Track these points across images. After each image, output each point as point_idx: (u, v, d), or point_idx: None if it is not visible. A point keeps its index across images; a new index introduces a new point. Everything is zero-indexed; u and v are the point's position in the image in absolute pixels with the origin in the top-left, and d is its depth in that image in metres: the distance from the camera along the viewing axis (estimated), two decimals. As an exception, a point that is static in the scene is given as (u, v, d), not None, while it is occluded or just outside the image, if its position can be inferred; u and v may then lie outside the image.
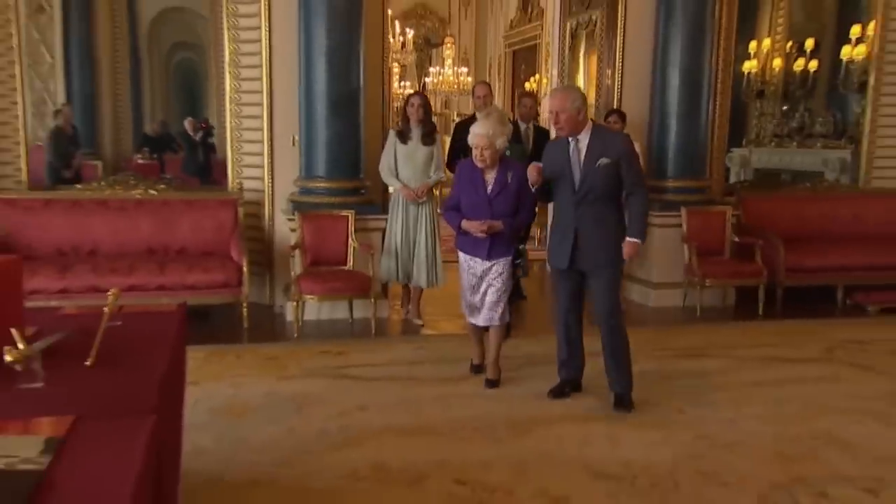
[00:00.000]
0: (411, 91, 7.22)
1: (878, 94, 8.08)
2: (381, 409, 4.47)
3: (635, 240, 4.29)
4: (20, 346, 2.40)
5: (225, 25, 6.72)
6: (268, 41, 6.65)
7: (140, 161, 7.17)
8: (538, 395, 4.67)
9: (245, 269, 6.06)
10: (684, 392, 4.86)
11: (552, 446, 4.01)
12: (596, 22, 7.53)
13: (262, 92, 6.74)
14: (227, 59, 6.76)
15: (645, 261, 6.98)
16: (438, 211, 6.07)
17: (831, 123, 8.64)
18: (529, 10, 14.55)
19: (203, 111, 7.26)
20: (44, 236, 6.23)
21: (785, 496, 3.56)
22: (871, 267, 7.37)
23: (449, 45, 15.37)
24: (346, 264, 6.32)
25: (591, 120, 4.24)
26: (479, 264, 4.58)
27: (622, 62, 7.36)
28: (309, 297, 6.05)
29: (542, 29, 14.22)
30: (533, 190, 4.38)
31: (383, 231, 6.32)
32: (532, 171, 4.28)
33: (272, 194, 6.83)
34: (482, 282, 4.62)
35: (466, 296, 4.75)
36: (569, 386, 4.62)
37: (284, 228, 6.70)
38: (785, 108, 8.56)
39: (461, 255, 4.70)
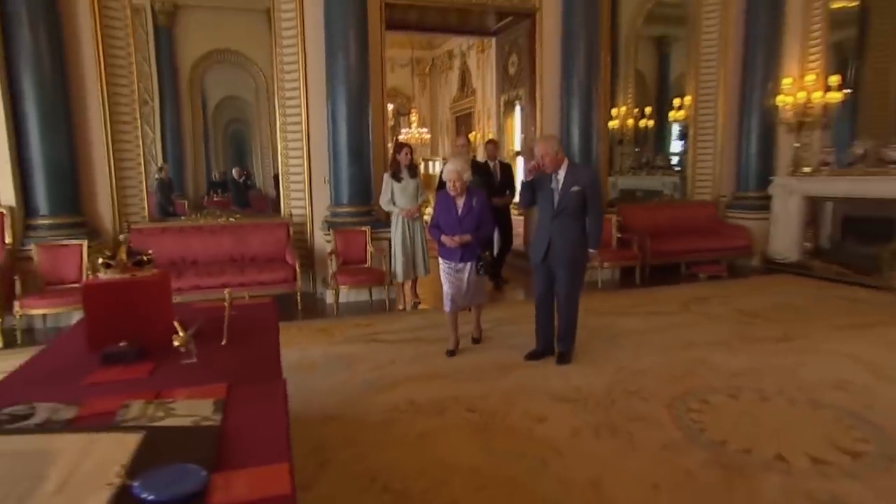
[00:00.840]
0: (399, 142, 6.83)
1: (696, 141, 8.15)
2: (405, 363, 4.30)
3: (593, 250, 4.14)
4: (181, 333, 2.21)
5: (276, 105, 6.43)
6: (305, 115, 6.39)
7: (216, 199, 6.81)
8: (510, 347, 4.53)
9: (297, 269, 5.79)
10: (602, 338, 4.77)
11: (526, 382, 3.88)
12: (521, 96, 7.42)
13: (302, 149, 6.47)
14: (278, 127, 6.47)
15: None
16: (426, 222, 5.86)
17: (666, 159, 8.74)
18: (465, 89, 14.51)
19: (247, 162, 6.91)
20: (161, 252, 5.85)
21: (682, 403, 3.51)
22: (699, 249, 7.42)
23: (413, 113, 15.23)
24: (366, 263, 6.11)
25: (567, 159, 4.07)
26: (454, 266, 4.32)
27: (540, 121, 7.25)
28: (343, 286, 5.83)
29: (475, 102, 14.18)
30: (526, 180, 4.18)
31: (389, 240, 6.05)
32: (530, 167, 4.09)
33: (311, 217, 6.55)
34: (460, 278, 4.33)
35: (449, 291, 4.39)
36: (542, 353, 4.30)
37: (321, 241, 6.46)
38: (637, 149, 8.57)
39: (441, 261, 4.40)
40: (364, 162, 6.20)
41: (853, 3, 7.29)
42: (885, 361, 4.15)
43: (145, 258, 2.60)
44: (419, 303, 6.14)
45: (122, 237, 2.71)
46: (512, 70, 7.62)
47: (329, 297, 5.98)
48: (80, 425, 1.67)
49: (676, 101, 8.30)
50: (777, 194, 7.59)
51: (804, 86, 7.35)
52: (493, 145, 6.90)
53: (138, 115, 5.98)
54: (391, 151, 6.25)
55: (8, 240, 5.26)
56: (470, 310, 4.67)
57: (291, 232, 6.37)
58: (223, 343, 2.46)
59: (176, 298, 5.21)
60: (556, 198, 4.01)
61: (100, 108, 5.75)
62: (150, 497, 1.27)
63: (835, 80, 7.06)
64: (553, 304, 4.24)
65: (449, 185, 4.22)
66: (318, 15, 6.14)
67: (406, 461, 2.88)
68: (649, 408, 3.46)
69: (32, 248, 5.31)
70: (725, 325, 5.16)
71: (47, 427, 1.66)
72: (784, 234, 7.52)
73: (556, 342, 4.27)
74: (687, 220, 7.68)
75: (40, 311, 5.10)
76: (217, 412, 1.78)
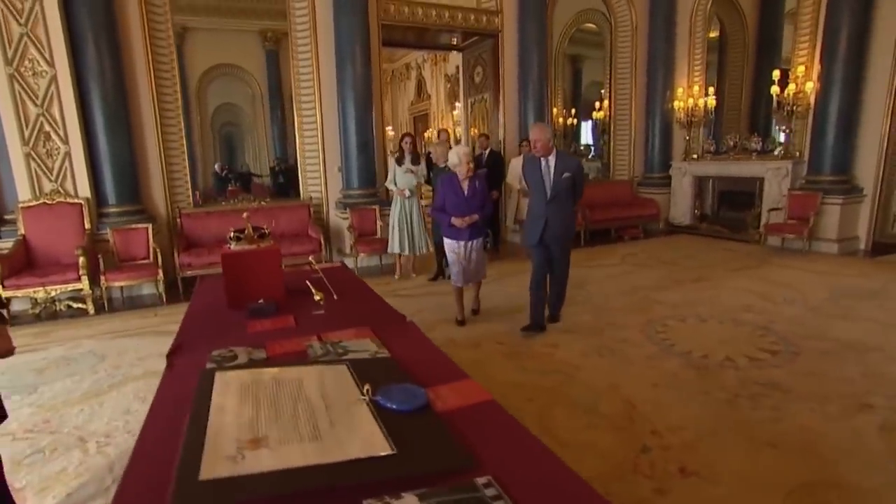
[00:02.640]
0: (404, 132, 6.41)
1: (615, 135, 8.30)
2: (430, 311, 4.30)
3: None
4: (314, 291, 2.17)
5: (294, 107, 6.13)
6: (319, 115, 6.13)
7: (230, 189, 6.36)
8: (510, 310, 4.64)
9: (322, 241, 5.66)
10: (574, 285, 4.72)
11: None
12: (486, 99, 7.42)
13: (317, 143, 6.21)
14: (296, 125, 6.18)
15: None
16: (423, 203, 5.62)
17: (588, 148, 8.98)
18: (422, 94, 14.28)
19: (240, 158, 6.46)
20: (208, 231, 5.61)
21: (650, 327, 3.76)
22: (622, 217, 7.64)
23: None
24: (376, 234, 6.00)
25: (555, 148, 3.63)
26: (462, 244, 3.84)
27: (503, 119, 7.27)
28: (362, 253, 5.75)
29: (430, 105, 13.99)
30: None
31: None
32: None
33: (327, 199, 6.36)
34: (467, 255, 3.87)
35: (456, 269, 3.91)
36: (536, 327, 3.75)
37: (335, 219, 6.29)
38: (565, 140, 8.75)
39: (447, 241, 3.88)
40: (369, 153, 6.07)
41: (713, 34, 7.73)
42: (769, 291, 4.59)
43: (267, 231, 2.52)
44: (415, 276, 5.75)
45: (244, 215, 2.58)
46: (478, 79, 7.59)
47: (350, 263, 5.88)
48: (277, 361, 1.66)
49: (597, 105, 8.53)
50: (674, 175, 8.04)
51: (691, 94, 7.77)
52: (485, 137, 6.71)
53: (181, 119, 5.58)
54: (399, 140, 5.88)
55: (87, 225, 4.95)
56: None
57: (312, 212, 6.18)
58: (335, 298, 2.43)
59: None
60: (550, 184, 3.59)
61: (152, 113, 5.39)
62: (398, 407, 1.31)
63: (711, 90, 7.54)
64: (545, 283, 3.80)
65: (463, 168, 3.73)
66: (328, 33, 5.90)
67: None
68: (628, 333, 3.69)
69: (108, 232, 5.04)
70: (655, 272, 5.48)
71: (253, 363, 1.63)
72: (680, 204, 8.00)
73: (549, 307, 3.90)
74: (612, 195, 7.95)
75: (120, 284, 4.83)
76: (382, 347, 1.80)
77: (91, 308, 4.63)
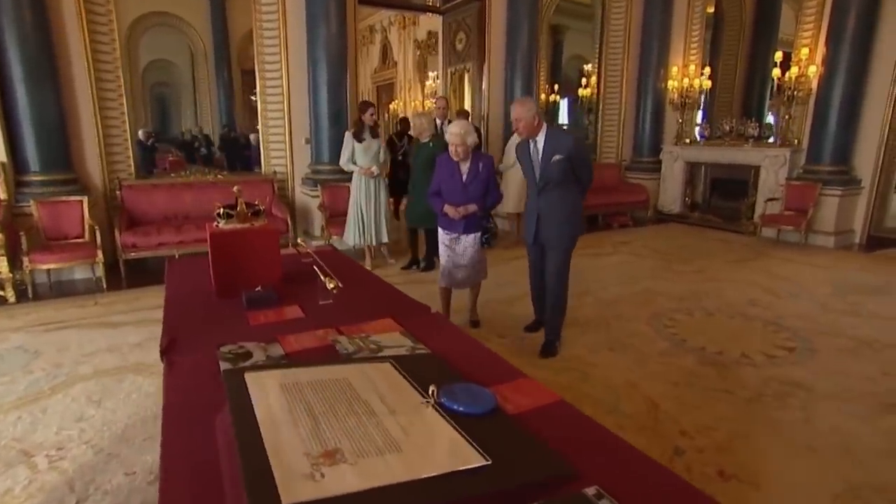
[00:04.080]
0: (363, 101, 5.70)
1: (604, 115, 8.47)
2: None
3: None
4: (324, 278, 2.07)
5: (257, 70, 5.86)
6: (286, 79, 5.91)
7: (171, 159, 6.06)
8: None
9: (289, 220, 5.47)
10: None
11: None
12: (469, 69, 7.33)
13: (283, 111, 5.99)
14: (258, 90, 5.92)
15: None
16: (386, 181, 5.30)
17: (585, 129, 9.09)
18: (387, 62, 14.00)
19: (176, 123, 6.14)
20: (154, 207, 5.32)
21: (657, 321, 3.86)
22: (611, 203, 7.78)
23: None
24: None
25: (546, 124, 3.21)
26: (455, 237, 3.50)
27: (488, 91, 7.23)
28: (335, 236, 5.57)
29: (396, 73, 13.72)
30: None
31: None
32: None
33: (292, 174, 6.16)
34: (459, 252, 3.53)
35: (447, 266, 3.57)
36: (537, 324, 3.64)
37: (301, 196, 6.12)
38: (553, 124, 8.83)
39: (441, 231, 3.56)
40: (343, 123, 5.87)
41: (710, 10, 7.95)
42: (771, 285, 4.81)
43: (261, 208, 2.39)
44: (393, 263, 5.46)
45: (235, 189, 2.43)
46: (460, 46, 7.48)
47: (321, 244, 5.72)
48: (301, 359, 1.58)
49: (584, 81, 8.63)
50: (665, 159, 8.27)
51: (686, 73, 7.99)
52: (444, 102, 6.20)
53: (121, 74, 5.19)
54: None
55: (2, 195, 4.49)
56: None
57: (276, 188, 5.96)
58: (340, 286, 2.34)
59: (178, 251, 4.82)
60: (539, 170, 3.20)
61: (84, 65, 4.94)
62: (467, 410, 1.27)
63: (707, 70, 7.78)
64: (543, 281, 3.49)
65: (451, 149, 3.37)
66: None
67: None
68: (636, 327, 3.78)
69: (31, 205, 4.60)
70: (651, 262, 5.64)
71: (273, 361, 1.55)
72: (670, 191, 8.26)
73: (545, 331, 3.46)
74: (599, 180, 7.81)
75: (48, 266, 4.45)
76: (417, 341, 1.75)
77: (11, 295, 4.28)
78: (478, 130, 6.35)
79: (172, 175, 5.67)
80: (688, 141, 8.10)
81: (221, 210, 2.27)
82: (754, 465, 2.24)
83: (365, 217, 5.14)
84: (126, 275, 4.82)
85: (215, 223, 2.31)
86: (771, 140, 7.03)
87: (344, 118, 5.90)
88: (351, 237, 5.19)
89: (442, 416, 1.23)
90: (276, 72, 5.90)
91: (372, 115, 5.09)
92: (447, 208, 3.41)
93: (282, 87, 5.93)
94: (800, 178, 6.48)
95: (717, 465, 2.24)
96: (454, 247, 3.52)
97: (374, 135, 5.13)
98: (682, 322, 3.88)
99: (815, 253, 5.99)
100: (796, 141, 6.70)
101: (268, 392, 1.26)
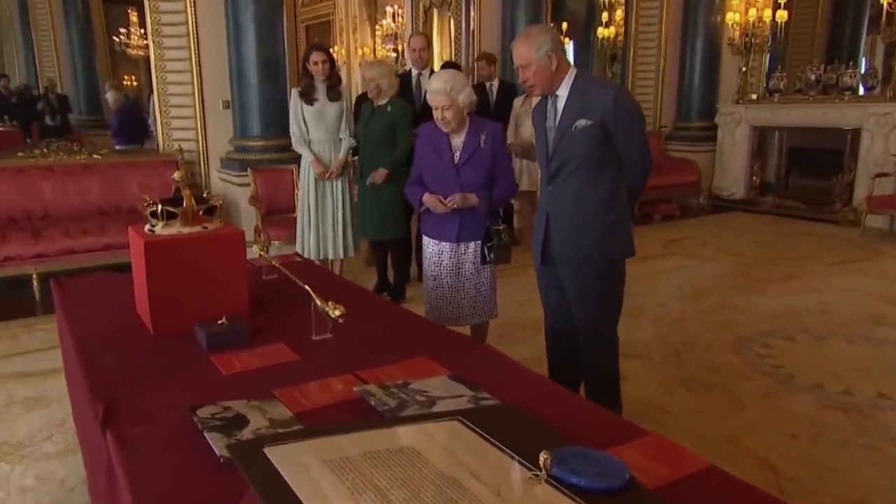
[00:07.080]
0: (312, 44, 5.52)
1: (635, 65, 8.73)
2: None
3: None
4: (318, 302, 2.05)
5: (147, 4, 5.80)
6: (193, 16, 5.86)
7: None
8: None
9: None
10: None
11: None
12: (451, 2, 7.39)
13: (189, 63, 5.97)
14: (150, 33, 5.87)
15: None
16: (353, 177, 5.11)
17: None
18: (318, -7, 13.90)
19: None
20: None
21: (746, 349, 3.92)
22: (648, 187, 7.89)
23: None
24: (294, 212, 5.76)
25: (575, 68, 2.65)
26: (444, 250, 3.17)
27: (478, 33, 7.33)
28: (276, 241, 5.45)
29: (333, 9, 13.64)
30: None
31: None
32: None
33: (206, 153, 6.12)
34: (453, 269, 3.19)
35: (433, 290, 3.25)
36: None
37: (222, 184, 6.11)
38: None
39: (425, 239, 3.27)
40: (280, 80, 5.88)
41: None
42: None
43: (217, 203, 2.33)
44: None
45: (176, 175, 2.35)
46: (435, -33, 7.57)
47: (250, 254, 5.61)
48: (316, 419, 1.56)
49: (604, 17, 8.80)
50: (723, 124, 8.52)
51: (753, 1, 8.17)
52: (488, 61, 6.06)
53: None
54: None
55: None
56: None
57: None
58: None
59: (38, 268, 4.70)
60: (551, 143, 2.67)
61: None
62: (593, 485, 1.27)
63: (783, -1, 8.01)
64: (565, 337, 2.92)
65: (436, 114, 3.00)
66: None
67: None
68: (718, 357, 3.86)
69: None
70: (719, 267, 5.79)
71: (281, 426, 1.52)
72: (731, 168, 8.51)
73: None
74: None
75: None
76: (474, 388, 1.76)
77: None
78: (511, 86, 6.11)
79: (20, 155, 5.52)
80: (755, 97, 8.36)
81: (157, 207, 2.19)
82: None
83: (320, 225, 4.90)
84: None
85: (147, 226, 2.24)
86: (876, 92, 7.29)
87: (281, 72, 5.91)
88: (304, 247, 4.96)
89: (563, 493, 1.22)
90: (176, 8, 5.83)
91: (320, 62, 4.69)
92: (427, 198, 3.12)
93: (186, 25, 5.88)
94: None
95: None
96: (443, 263, 3.21)
97: (334, 95, 4.79)
98: (781, 350, 3.98)
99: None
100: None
101: (310, 475, 1.22)
